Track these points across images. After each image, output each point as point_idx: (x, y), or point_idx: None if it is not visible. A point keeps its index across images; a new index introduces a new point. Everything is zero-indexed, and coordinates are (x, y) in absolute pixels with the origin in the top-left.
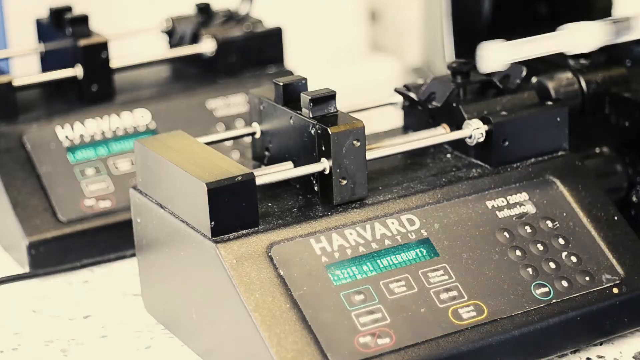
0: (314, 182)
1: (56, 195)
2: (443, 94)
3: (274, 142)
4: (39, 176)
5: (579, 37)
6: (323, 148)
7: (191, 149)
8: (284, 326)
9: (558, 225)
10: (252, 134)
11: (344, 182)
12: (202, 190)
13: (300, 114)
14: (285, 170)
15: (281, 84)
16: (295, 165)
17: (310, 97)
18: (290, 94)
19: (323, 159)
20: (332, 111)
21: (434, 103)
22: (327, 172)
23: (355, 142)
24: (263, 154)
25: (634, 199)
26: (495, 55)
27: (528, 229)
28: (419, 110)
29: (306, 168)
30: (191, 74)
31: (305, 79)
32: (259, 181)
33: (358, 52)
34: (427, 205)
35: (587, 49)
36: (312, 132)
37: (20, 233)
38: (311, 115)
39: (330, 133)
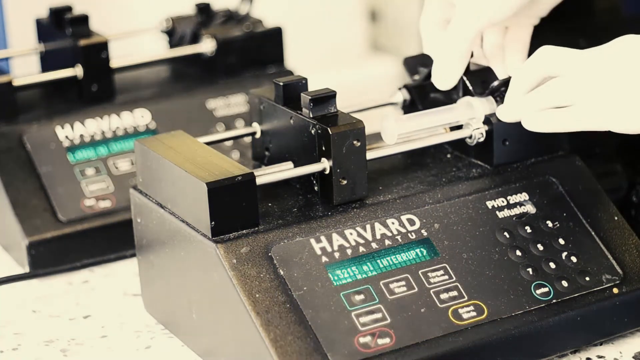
0: (314, 182)
1: (56, 195)
2: None
3: (274, 142)
4: (39, 176)
5: (477, 109)
6: (323, 148)
7: (191, 149)
8: (284, 326)
9: (558, 225)
10: (252, 134)
11: (344, 182)
12: (202, 190)
13: (301, 114)
14: (285, 171)
15: (281, 84)
16: (295, 165)
17: (310, 97)
18: (290, 94)
19: (323, 159)
20: (332, 111)
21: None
22: (327, 172)
23: (355, 142)
24: (263, 154)
25: (634, 199)
26: (396, 128)
27: (528, 229)
28: (419, 109)
29: (306, 168)
30: (191, 74)
31: (305, 79)
32: (259, 181)
33: (358, 52)
34: (427, 205)
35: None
36: (312, 132)
37: (20, 233)
38: (311, 115)
39: (330, 133)
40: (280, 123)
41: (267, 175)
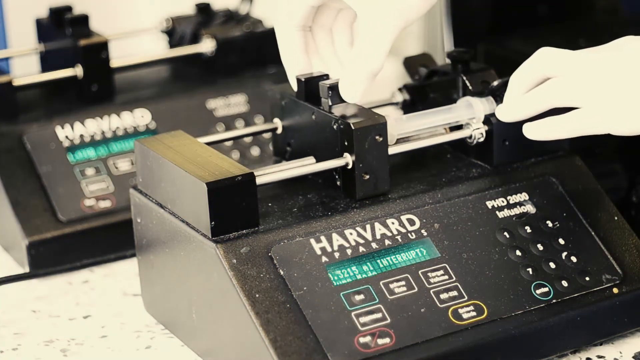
0: (337, 177)
1: (56, 195)
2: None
3: (296, 138)
4: (39, 176)
5: (477, 109)
6: (345, 143)
7: (191, 149)
8: (284, 326)
9: (558, 225)
10: (274, 130)
11: (367, 176)
12: (202, 190)
13: (322, 110)
14: (285, 170)
15: (303, 79)
16: (317, 161)
17: (328, 85)
18: (312, 90)
19: (345, 154)
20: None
21: (435, 79)
22: (349, 167)
23: (377, 137)
24: (285, 150)
25: (634, 199)
26: (396, 128)
27: (528, 229)
28: (419, 109)
29: (329, 163)
30: (191, 74)
31: (327, 75)
32: (259, 181)
33: None
34: (427, 205)
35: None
36: (335, 127)
37: (20, 233)
38: (330, 103)
39: (352, 128)
40: (301, 119)
41: (267, 175)
